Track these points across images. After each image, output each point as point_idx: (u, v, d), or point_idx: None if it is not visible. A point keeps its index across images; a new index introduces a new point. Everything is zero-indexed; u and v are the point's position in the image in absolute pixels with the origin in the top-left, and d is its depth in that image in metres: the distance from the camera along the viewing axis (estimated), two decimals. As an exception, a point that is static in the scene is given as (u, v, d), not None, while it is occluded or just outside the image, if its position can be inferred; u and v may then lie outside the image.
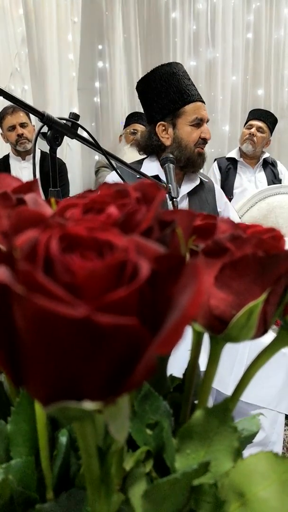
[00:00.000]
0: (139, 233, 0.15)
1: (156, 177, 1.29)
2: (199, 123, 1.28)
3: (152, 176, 1.16)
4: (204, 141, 1.30)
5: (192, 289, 0.12)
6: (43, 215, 0.14)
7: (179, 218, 0.16)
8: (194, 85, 1.32)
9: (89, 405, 0.11)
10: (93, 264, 0.11)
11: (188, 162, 1.30)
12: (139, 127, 2.41)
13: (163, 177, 1.27)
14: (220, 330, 0.22)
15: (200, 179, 1.38)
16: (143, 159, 1.38)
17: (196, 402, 0.27)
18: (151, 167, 1.32)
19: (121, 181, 1.26)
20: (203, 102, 1.31)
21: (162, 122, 1.29)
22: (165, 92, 1.27)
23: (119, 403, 0.13)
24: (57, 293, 0.10)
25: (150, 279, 0.12)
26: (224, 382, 0.93)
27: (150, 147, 1.32)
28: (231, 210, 1.47)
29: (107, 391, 0.12)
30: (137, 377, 0.11)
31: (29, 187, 0.21)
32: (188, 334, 0.25)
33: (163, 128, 1.30)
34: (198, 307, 0.12)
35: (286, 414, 1.05)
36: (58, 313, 0.10)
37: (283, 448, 1.41)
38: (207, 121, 1.32)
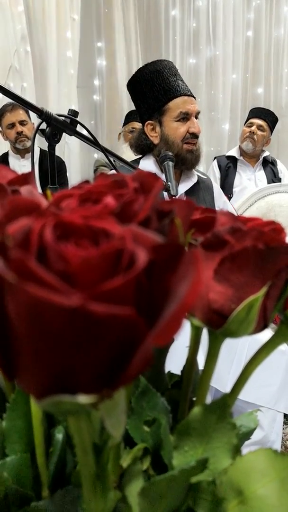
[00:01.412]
0: (137, 223, 0.15)
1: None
2: (185, 117, 1.26)
3: None
4: (193, 135, 1.28)
5: (190, 278, 0.11)
6: (37, 203, 0.14)
7: (178, 208, 0.16)
8: (182, 80, 1.29)
9: (83, 398, 0.11)
10: (88, 252, 0.11)
11: (178, 159, 1.28)
12: (138, 125, 2.40)
13: (160, 175, 1.27)
14: (219, 324, 0.21)
15: (198, 176, 1.37)
16: (140, 158, 1.38)
17: (194, 399, 0.27)
18: (147, 167, 1.32)
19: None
20: (190, 95, 1.28)
21: (150, 121, 1.29)
22: (149, 91, 1.26)
23: (115, 398, 0.13)
24: (50, 281, 0.10)
25: (147, 269, 0.12)
26: (222, 380, 0.93)
27: (140, 146, 1.32)
28: (229, 209, 1.47)
29: (102, 384, 0.11)
30: (133, 369, 0.11)
31: (24, 179, 0.21)
32: (186, 330, 0.25)
33: (151, 127, 1.29)
34: (197, 296, 0.11)
35: (284, 413, 1.05)
36: (51, 302, 0.10)
37: (281, 447, 1.41)
38: (198, 113, 1.29)
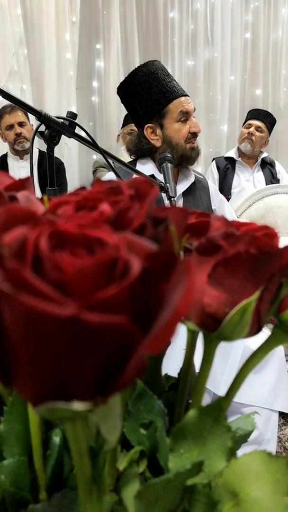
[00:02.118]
0: (132, 230, 0.15)
1: (152, 176, 1.28)
2: (185, 117, 1.27)
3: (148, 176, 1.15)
4: (194, 135, 1.29)
5: (183, 286, 0.12)
6: (33, 212, 0.14)
7: (173, 215, 0.16)
8: (174, 80, 1.30)
9: (78, 405, 0.11)
10: (83, 261, 0.11)
11: (182, 159, 1.29)
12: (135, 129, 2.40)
13: (158, 176, 1.27)
14: (214, 328, 0.22)
15: (195, 176, 1.38)
16: (135, 160, 1.37)
17: (191, 401, 0.27)
18: (144, 169, 1.31)
19: (118, 180, 1.24)
20: (186, 95, 1.29)
21: (149, 124, 1.29)
22: (146, 94, 1.26)
23: (110, 403, 0.13)
24: (45, 291, 0.10)
25: (141, 277, 0.12)
26: (215, 381, 0.93)
27: (141, 150, 1.32)
28: (226, 207, 1.46)
29: (97, 390, 0.11)
30: (127, 376, 0.11)
31: (22, 184, 0.21)
32: (183, 333, 0.25)
33: (151, 130, 1.29)
34: (189, 305, 0.12)
35: (281, 412, 1.06)
36: (46, 312, 0.10)
37: (280, 448, 1.41)
38: (194, 110, 1.30)
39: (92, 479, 0.19)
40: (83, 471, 0.17)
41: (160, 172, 1.26)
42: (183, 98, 1.27)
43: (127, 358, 0.11)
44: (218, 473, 0.22)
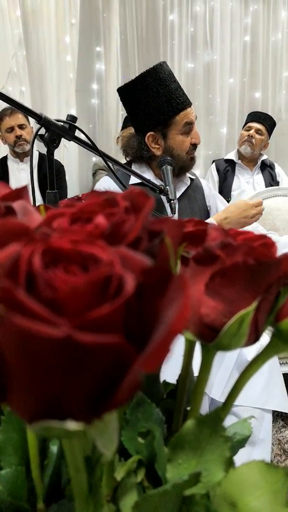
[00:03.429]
0: (127, 244, 0.15)
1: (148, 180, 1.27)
2: (189, 128, 1.24)
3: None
4: (194, 146, 1.27)
5: (178, 304, 0.12)
6: (27, 227, 0.14)
7: (168, 228, 0.16)
8: (180, 87, 1.23)
9: (72, 425, 0.11)
10: (76, 280, 0.11)
11: (181, 170, 1.27)
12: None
13: (156, 182, 1.27)
14: (211, 338, 0.22)
15: (190, 178, 1.38)
16: (129, 162, 1.33)
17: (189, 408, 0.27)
18: (144, 175, 1.30)
19: (115, 185, 1.24)
20: (190, 104, 1.25)
21: (152, 133, 1.22)
22: (153, 101, 1.18)
23: (106, 419, 0.13)
24: (38, 311, 0.10)
25: (136, 292, 0.12)
26: (208, 384, 0.92)
27: (140, 157, 1.27)
28: (218, 198, 1.45)
29: (91, 410, 0.11)
30: (122, 395, 0.11)
31: (18, 194, 0.21)
32: (181, 340, 0.25)
33: (153, 138, 1.23)
34: (185, 322, 0.11)
35: (281, 415, 1.05)
36: (38, 333, 0.10)
37: (279, 450, 1.41)
38: (196, 119, 1.27)
39: (89, 490, 0.19)
40: (79, 483, 0.17)
41: (159, 178, 1.26)
42: (189, 109, 1.22)
43: (122, 376, 0.11)
44: (216, 483, 0.22)
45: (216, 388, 0.99)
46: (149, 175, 1.29)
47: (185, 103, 1.22)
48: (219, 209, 1.38)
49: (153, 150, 1.25)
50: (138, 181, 1.17)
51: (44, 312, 0.10)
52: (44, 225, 0.16)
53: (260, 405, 0.99)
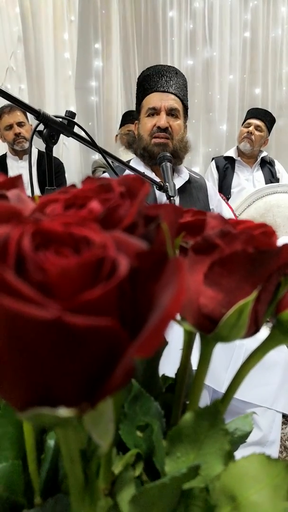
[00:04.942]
0: (122, 229, 0.15)
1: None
2: (153, 112, 1.27)
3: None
4: (159, 129, 1.27)
5: (174, 287, 0.11)
6: (18, 209, 0.13)
7: (164, 213, 0.16)
8: (168, 79, 1.28)
9: (64, 412, 0.10)
10: (67, 261, 0.10)
11: (144, 152, 1.29)
12: (133, 128, 2.39)
13: (150, 174, 1.27)
14: (210, 329, 0.21)
15: (190, 175, 1.37)
16: (129, 161, 1.37)
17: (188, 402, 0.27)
18: (137, 167, 1.31)
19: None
20: (165, 91, 1.26)
21: (136, 121, 1.35)
22: (136, 94, 1.33)
23: (100, 408, 0.13)
24: (27, 293, 0.10)
25: (131, 277, 0.12)
26: (218, 380, 0.92)
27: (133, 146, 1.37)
28: (224, 207, 1.46)
29: (83, 396, 0.11)
30: (115, 381, 0.11)
31: (12, 182, 0.20)
32: (180, 333, 0.24)
33: (136, 126, 1.35)
34: (180, 307, 0.11)
35: (283, 414, 1.05)
36: (28, 315, 0.09)
37: (280, 447, 1.41)
38: (174, 110, 1.26)
39: (85, 484, 0.18)
40: (75, 476, 0.17)
41: (150, 170, 1.28)
42: (158, 94, 1.26)
43: (115, 362, 0.11)
44: (215, 477, 0.22)
45: (227, 384, 0.98)
46: (148, 173, 1.29)
47: (154, 89, 1.27)
48: None
49: (137, 137, 1.34)
50: None
51: (33, 294, 0.10)
52: (37, 211, 0.15)
53: (269, 405, 0.98)
